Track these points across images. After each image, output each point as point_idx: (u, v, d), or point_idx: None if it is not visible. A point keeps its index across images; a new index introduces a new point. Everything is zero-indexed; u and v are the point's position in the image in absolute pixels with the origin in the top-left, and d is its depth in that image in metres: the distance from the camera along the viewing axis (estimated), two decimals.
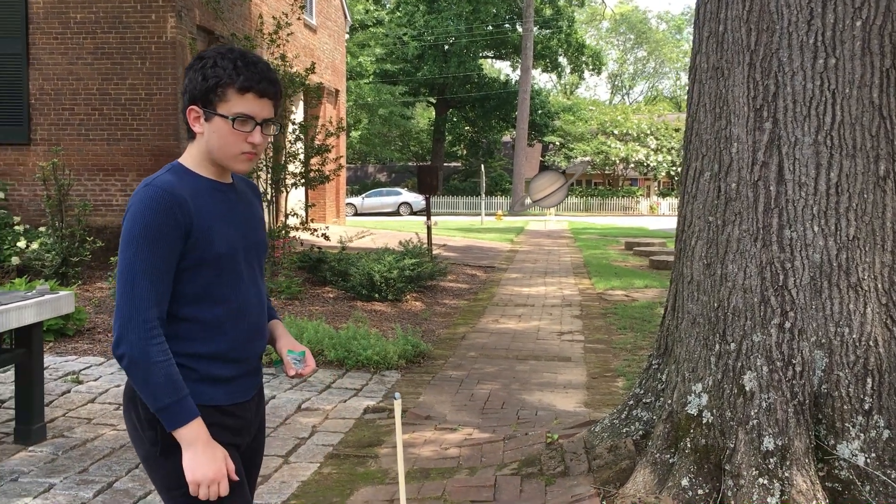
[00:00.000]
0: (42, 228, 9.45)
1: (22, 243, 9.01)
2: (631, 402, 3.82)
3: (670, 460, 3.38)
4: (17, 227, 9.39)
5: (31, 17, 10.83)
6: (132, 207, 1.76)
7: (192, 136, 1.87)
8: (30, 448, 4.04)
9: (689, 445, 3.33)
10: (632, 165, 45.05)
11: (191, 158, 1.87)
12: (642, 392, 3.78)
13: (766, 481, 3.11)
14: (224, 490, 1.74)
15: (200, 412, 1.79)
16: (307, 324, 6.65)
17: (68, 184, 9.48)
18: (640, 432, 3.66)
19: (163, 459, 1.80)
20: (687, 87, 3.78)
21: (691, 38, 3.78)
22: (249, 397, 1.94)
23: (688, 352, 3.49)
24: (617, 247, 18.65)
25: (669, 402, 3.51)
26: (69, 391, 5.14)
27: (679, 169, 44.71)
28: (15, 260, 8.95)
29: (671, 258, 13.68)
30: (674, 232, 3.87)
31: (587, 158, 44.22)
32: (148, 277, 1.72)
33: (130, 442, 1.92)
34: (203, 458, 1.72)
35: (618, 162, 44.74)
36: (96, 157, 10.87)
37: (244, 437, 1.94)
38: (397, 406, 1.93)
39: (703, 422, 3.33)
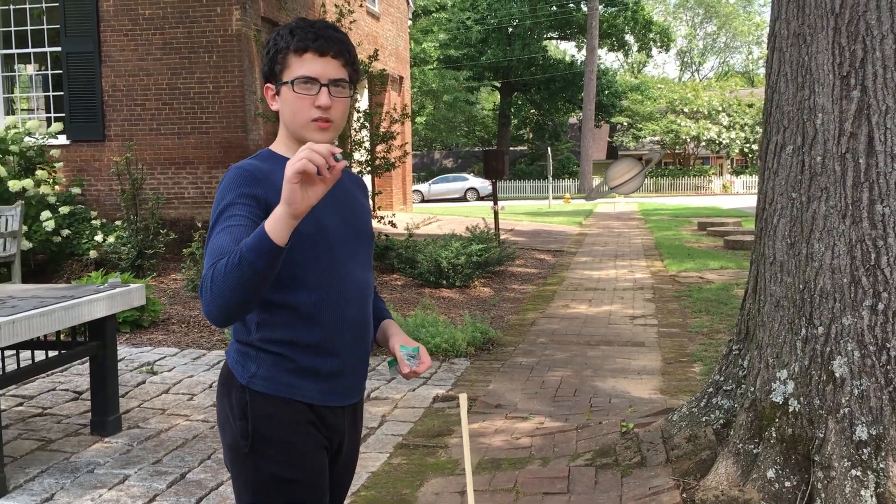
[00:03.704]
0: (118, 222, 9.68)
1: (99, 237, 9.24)
2: (710, 389, 3.65)
3: (754, 451, 3.21)
4: (94, 222, 9.64)
5: (102, 15, 11.07)
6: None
7: (277, 118, 1.81)
8: (106, 439, 4.11)
9: (774, 435, 3.15)
10: (703, 144, 43.95)
11: (277, 142, 1.81)
12: (722, 379, 3.61)
13: (859, 473, 2.92)
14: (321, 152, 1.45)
15: (291, 407, 1.71)
16: None
17: (141, 178, 9.69)
18: (721, 421, 3.50)
19: (248, 456, 1.72)
20: (765, 57, 3.57)
21: (763, 10, 3.57)
22: (346, 403, 1.81)
23: (771, 336, 3.30)
24: (689, 227, 18.19)
25: (752, 389, 3.34)
26: (144, 382, 5.22)
27: (753, 146, 43.48)
28: (93, 253, 9.20)
29: (747, 238, 13.27)
30: (749, 211, 3.68)
31: (656, 138, 43.32)
32: (225, 234, 1.59)
33: (217, 426, 1.82)
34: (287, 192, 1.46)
35: (688, 140, 43.70)
36: (167, 151, 11.07)
37: (331, 446, 1.81)
38: (463, 402, 1.83)
39: (790, 410, 3.15)
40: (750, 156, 45.41)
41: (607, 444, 3.77)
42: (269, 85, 1.78)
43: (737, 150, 44.35)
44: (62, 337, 4.20)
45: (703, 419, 3.56)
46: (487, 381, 5.38)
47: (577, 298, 8.78)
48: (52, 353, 4.00)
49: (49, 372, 4.91)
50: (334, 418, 1.79)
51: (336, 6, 10.88)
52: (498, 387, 5.22)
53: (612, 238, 16.10)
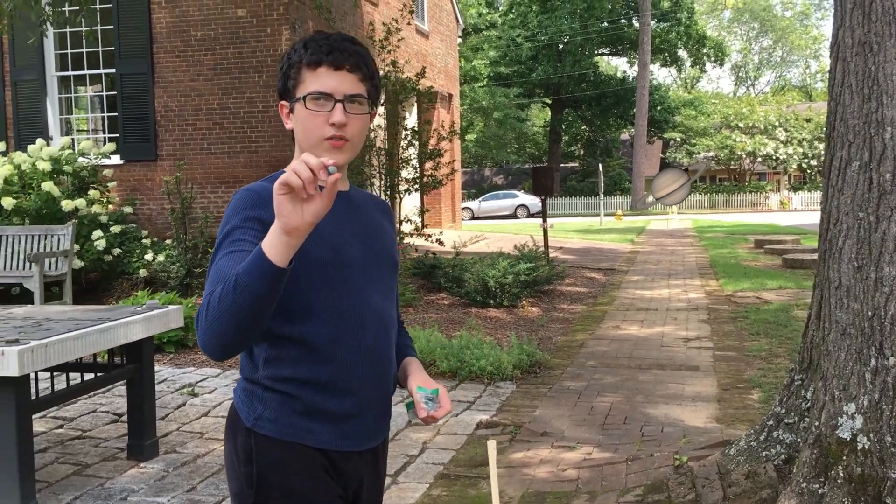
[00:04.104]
0: (168, 241, 9.76)
1: (149, 256, 9.32)
2: (771, 422, 3.41)
3: (819, 490, 2.97)
4: (144, 241, 9.73)
5: (155, 37, 11.24)
6: None
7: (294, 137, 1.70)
8: (142, 464, 4.04)
9: (841, 474, 2.91)
10: (759, 159, 43.03)
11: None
12: (784, 411, 3.37)
13: None
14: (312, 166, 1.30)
15: (300, 453, 1.56)
16: (419, 333, 6.49)
17: (191, 197, 9.76)
18: (783, 457, 3.26)
19: None
20: (827, 69, 3.35)
21: (820, 24, 3.36)
22: (364, 448, 1.64)
23: (837, 367, 3.06)
24: (746, 245, 17.69)
25: (817, 423, 3.10)
26: (184, 404, 5.16)
27: (812, 161, 42.41)
28: (142, 272, 9.28)
29: (807, 256, 12.81)
30: (809, 228, 3.46)
31: (710, 154, 42.62)
32: (227, 259, 1.47)
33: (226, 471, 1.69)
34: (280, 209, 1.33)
35: (744, 156, 42.83)
36: (217, 171, 11.16)
37: (347, 495, 1.66)
38: (491, 450, 1.67)
39: (858, 447, 2.91)
40: (808, 171, 44.33)
41: (659, 479, 3.56)
42: (283, 102, 1.67)
43: (794, 166, 43.34)
44: (102, 358, 4.15)
45: (763, 454, 3.33)
46: (533, 406, 5.19)
47: (629, 319, 8.53)
48: (88, 376, 3.96)
49: (91, 393, 4.88)
50: (350, 465, 1.64)
51: (384, 24, 10.86)
52: (544, 413, 5.03)
53: (665, 256, 15.74)
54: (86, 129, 13.10)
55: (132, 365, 4.04)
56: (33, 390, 3.60)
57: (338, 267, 1.58)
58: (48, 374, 3.96)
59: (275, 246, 1.33)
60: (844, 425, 2.98)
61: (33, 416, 4.46)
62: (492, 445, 1.70)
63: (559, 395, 5.44)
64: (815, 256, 12.86)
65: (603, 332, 7.79)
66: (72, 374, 4.09)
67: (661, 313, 8.86)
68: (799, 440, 3.24)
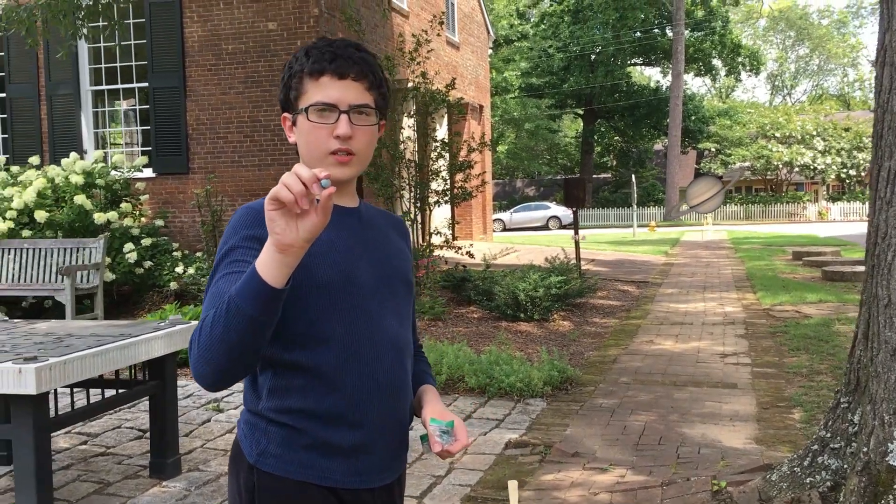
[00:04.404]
0: (198, 254, 9.77)
1: (180, 268, 9.32)
2: (815, 446, 3.24)
3: None
4: (175, 253, 9.74)
5: (187, 51, 11.30)
6: None
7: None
8: (164, 483, 3.96)
9: None
10: (796, 169, 42.34)
11: None
12: (829, 435, 3.20)
13: None
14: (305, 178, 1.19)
15: (306, 492, 1.44)
16: (447, 348, 6.38)
17: (221, 209, 9.76)
18: (828, 484, 3.09)
19: None
20: (874, 76, 3.19)
21: (858, 31, 3.21)
22: (377, 485, 1.52)
23: (887, 389, 2.89)
24: (783, 257, 17.33)
25: (865, 449, 2.93)
26: (209, 420, 5.10)
27: (850, 171, 41.62)
28: (173, 285, 9.28)
29: (847, 269, 12.48)
30: (849, 239, 3.28)
31: (746, 164, 42.06)
32: (224, 281, 1.37)
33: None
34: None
35: (780, 166, 42.18)
36: (248, 183, 11.17)
37: None
38: (513, 492, 1.55)
39: None
40: (847, 181, 43.50)
41: None
42: (285, 114, 1.56)
43: (833, 176, 42.57)
44: (126, 373, 4.10)
45: (808, 480, 3.16)
46: (564, 424, 5.04)
47: (663, 333, 8.33)
48: (110, 392, 3.90)
49: (116, 409, 4.83)
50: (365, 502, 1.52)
51: (413, 35, 10.81)
52: (576, 431, 4.88)
53: (700, 268, 15.46)
54: (119, 142, 13.22)
55: (154, 381, 3.98)
56: (54, 406, 3.55)
57: (348, 290, 1.48)
58: (69, 390, 3.90)
59: (269, 265, 1.24)
60: (895, 452, 2.80)
61: (57, 433, 4.43)
62: (513, 487, 1.58)
63: (591, 413, 5.29)
64: (857, 269, 12.51)
65: (636, 347, 7.61)
66: (94, 390, 4.03)
67: (696, 328, 8.65)
68: (846, 466, 3.07)
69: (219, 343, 1.26)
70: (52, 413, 3.54)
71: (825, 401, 5.34)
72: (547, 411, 5.38)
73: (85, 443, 4.60)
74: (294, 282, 1.38)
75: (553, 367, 6.00)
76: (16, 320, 4.28)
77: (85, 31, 8.96)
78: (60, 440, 4.55)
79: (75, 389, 4.00)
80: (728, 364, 6.77)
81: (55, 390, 3.51)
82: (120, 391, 3.86)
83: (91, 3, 6.99)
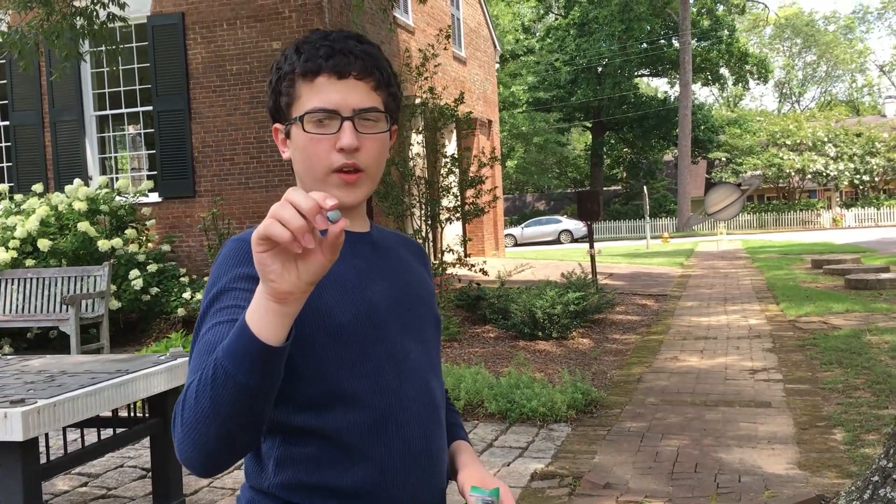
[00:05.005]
0: (207, 279, 9.54)
1: (187, 294, 9.10)
2: (875, 478, 2.95)
3: None
4: (182, 279, 9.52)
5: (191, 73, 11.15)
6: None
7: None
8: None
9: None
10: (809, 176, 41.97)
11: None
12: (891, 465, 2.91)
13: None
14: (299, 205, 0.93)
15: None
16: (465, 371, 6.11)
17: (228, 232, 9.55)
18: None
19: None
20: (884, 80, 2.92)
21: (866, 37, 2.94)
22: None
23: None
24: (802, 265, 16.99)
25: None
26: None
27: (864, 177, 41.19)
28: (181, 311, 9.05)
29: (871, 276, 12.13)
30: (867, 246, 3.00)
31: (757, 172, 41.75)
32: (212, 335, 1.10)
33: None
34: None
35: (793, 174, 41.82)
36: (255, 205, 10.97)
37: None
38: None
39: None
40: (861, 187, 43.08)
41: None
42: (276, 126, 1.29)
43: (846, 182, 42.16)
44: (126, 411, 3.85)
45: None
46: (592, 451, 4.75)
47: (687, 349, 8.04)
48: (108, 432, 3.65)
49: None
50: None
51: (420, 50, 10.62)
52: (605, 459, 4.59)
53: (718, 279, 15.14)
54: (125, 167, 13.06)
55: (155, 419, 3.73)
56: (46, 448, 3.30)
57: (370, 334, 1.21)
58: (59, 434, 3.66)
59: (262, 317, 0.97)
60: None
61: (57, 476, 4.17)
62: None
63: (619, 439, 5.00)
64: (881, 276, 12.13)
65: (661, 365, 7.32)
66: (93, 429, 3.78)
67: (721, 342, 8.34)
68: None
69: (207, 419, 0.99)
70: (44, 458, 3.29)
71: (867, 419, 5.04)
72: (572, 437, 5.09)
73: (85, 484, 4.35)
74: (303, 328, 1.13)
75: (576, 388, 5.72)
76: (9, 356, 4.05)
77: (83, 53, 8.79)
78: (59, 482, 4.30)
79: (73, 429, 3.75)
80: (759, 381, 6.47)
81: (46, 437, 3.26)
82: (118, 431, 3.61)
83: (86, 24, 6.82)
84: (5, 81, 11.81)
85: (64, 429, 3.52)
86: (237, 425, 0.99)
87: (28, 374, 3.47)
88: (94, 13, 6.83)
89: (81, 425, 3.53)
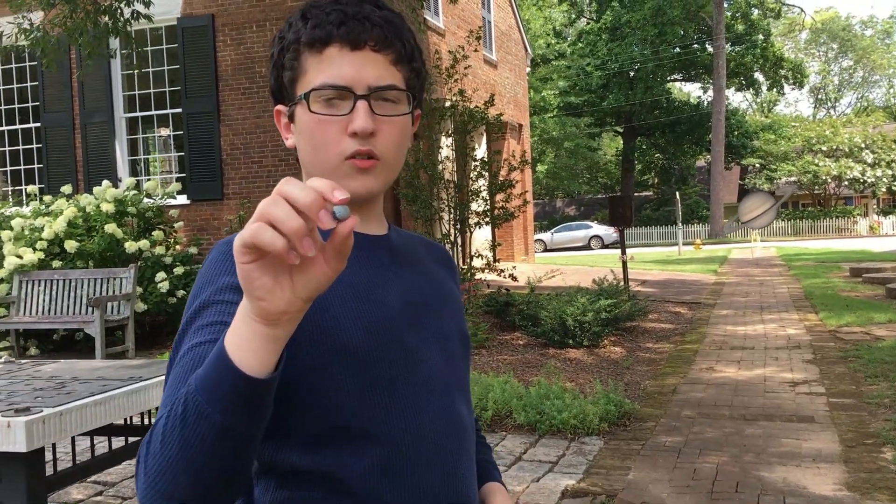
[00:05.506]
0: None
1: None
2: None
3: None
4: None
5: (221, 74, 11.10)
6: None
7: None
8: None
9: None
10: (845, 183, 41.17)
11: None
12: None
13: None
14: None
15: None
16: (493, 380, 5.91)
17: None
18: None
19: None
20: None
21: None
22: None
23: None
24: (840, 274, 16.54)
25: None
26: None
27: None
28: None
29: None
30: None
31: (792, 179, 41.10)
32: (191, 357, 0.90)
33: None
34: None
35: (829, 180, 41.07)
36: None
37: None
38: None
39: None
40: None
41: None
42: (278, 107, 1.10)
43: (884, 189, 41.30)
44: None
45: None
46: (626, 468, 4.53)
47: (723, 359, 7.76)
48: (119, 441, 3.52)
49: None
50: None
51: (450, 52, 10.47)
52: (640, 476, 4.37)
53: (753, 287, 14.77)
54: (154, 169, 13.05)
55: None
56: (54, 458, 3.17)
57: (385, 355, 1.00)
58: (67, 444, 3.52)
59: (246, 341, 0.77)
60: None
61: (70, 485, 4.05)
62: None
63: (655, 454, 4.78)
64: None
65: (696, 375, 7.06)
66: (106, 438, 3.65)
67: (759, 352, 8.06)
68: None
69: (175, 468, 0.79)
70: (52, 468, 3.16)
71: None
72: (605, 451, 4.87)
73: (100, 493, 4.22)
74: (304, 349, 0.94)
75: (608, 400, 5.50)
76: (24, 361, 3.94)
77: (111, 51, 8.73)
78: (73, 491, 4.18)
79: (84, 437, 3.62)
80: (800, 394, 6.20)
81: (53, 447, 3.13)
82: (130, 440, 3.47)
83: (109, 22, 6.75)
84: (37, 83, 11.85)
85: (73, 440, 3.39)
86: (213, 476, 0.79)
87: (39, 379, 3.34)
88: (119, 11, 6.76)
89: (92, 434, 3.39)
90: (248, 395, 0.76)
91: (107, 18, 6.72)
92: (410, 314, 1.05)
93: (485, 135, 15.90)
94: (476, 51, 14.28)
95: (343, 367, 0.96)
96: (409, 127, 1.07)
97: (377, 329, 1.00)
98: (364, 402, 0.97)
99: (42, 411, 2.73)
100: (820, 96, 71.25)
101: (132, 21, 6.92)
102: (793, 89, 52.47)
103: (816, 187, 42.26)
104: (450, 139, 10.44)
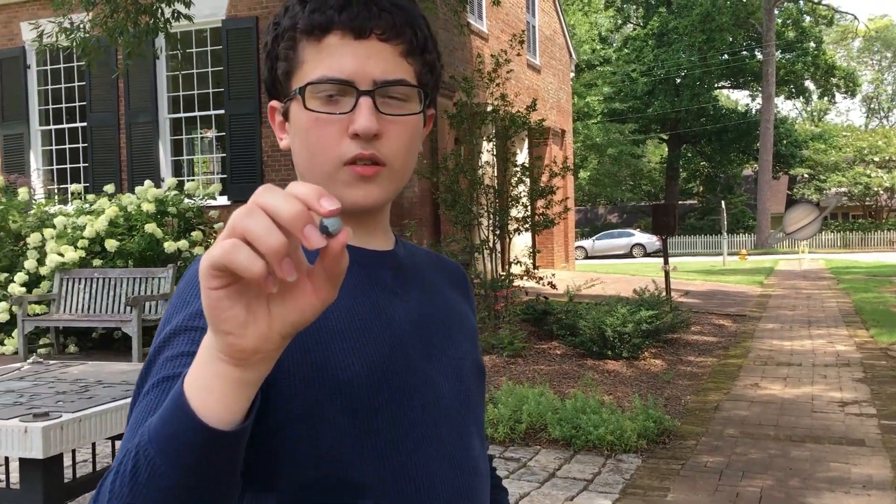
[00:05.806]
0: None
1: None
2: None
3: None
4: None
5: (263, 77, 11.10)
6: None
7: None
8: None
9: None
10: None
11: None
12: None
13: None
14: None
15: None
16: (528, 391, 5.76)
17: None
18: None
19: None
20: None
21: None
22: None
23: None
24: (893, 288, 16.03)
25: None
26: None
27: None
28: None
29: None
30: None
31: (842, 190, 40.16)
32: (155, 395, 0.75)
33: None
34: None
35: (881, 192, 40.02)
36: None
37: None
38: None
39: None
40: None
41: None
42: (273, 103, 0.96)
43: None
44: None
45: None
46: (664, 488, 4.36)
47: (768, 376, 7.51)
48: None
49: None
50: None
51: (492, 56, 10.35)
52: (679, 498, 4.19)
53: (800, 301, 14.37)
54: (199, 170, 13.14)
55: None
56: (73, 464, 3.11)
57: (385, 395, 0.86)
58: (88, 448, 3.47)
59: (211, 384, 0.62)
60: None
61: (91, 491, 4.00)
62: None
63: (695, 475, 4.59)
64: None
65: (740, 392, 6.82)
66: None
67: (806, 369, 7.78)
68: None
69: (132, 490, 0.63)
70: (70, 473, 3.10)
71: None
72: (643, 470, 4.70)
73: None
74: (290, 389, 0.80)
75: (647, 416, 5.32)
76: (52, 362, 3.91)
77: (156, 50, 8.79)
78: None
79: (105, 441, 3.57)
80: (850, 414, 5.94)
81: (73, 454, 3.07)
82: None
83: (150, 22, 6.77)
84: (84, 83, 12.02)
85: (93, 445, 3.34)
86: None
87: (63, 382, 3.30)
88: (160, 10, 6.78)
89: (113, 439, 3.34)
90: (209, 450, 0.62)
91: (147, 18, 6.74)
92: (419, 345, 0.92)
93: (526, 140, 15.75)
94: (519, 55, 14.14)
95: (339, 411, 0.82)
96: (419, 128, 0.93)
97: (380, 365, 0.86)
98: (364, 452, 0.83)
99: (61, 416, 2.67)
100: (873, 105, 69.61)
101: (172, 21, 6.94)
102: (845, 98, 51.35)
103: (868, 199, 41.22)
104: (491, 144, 10.31)
